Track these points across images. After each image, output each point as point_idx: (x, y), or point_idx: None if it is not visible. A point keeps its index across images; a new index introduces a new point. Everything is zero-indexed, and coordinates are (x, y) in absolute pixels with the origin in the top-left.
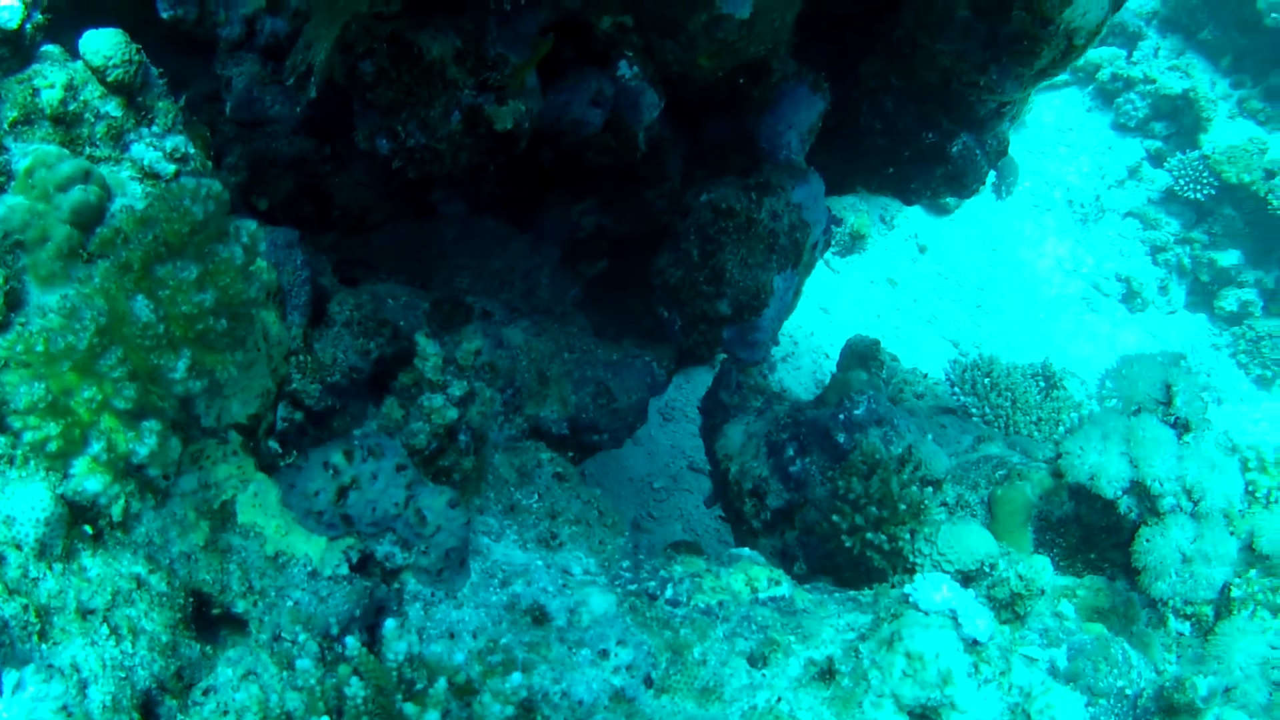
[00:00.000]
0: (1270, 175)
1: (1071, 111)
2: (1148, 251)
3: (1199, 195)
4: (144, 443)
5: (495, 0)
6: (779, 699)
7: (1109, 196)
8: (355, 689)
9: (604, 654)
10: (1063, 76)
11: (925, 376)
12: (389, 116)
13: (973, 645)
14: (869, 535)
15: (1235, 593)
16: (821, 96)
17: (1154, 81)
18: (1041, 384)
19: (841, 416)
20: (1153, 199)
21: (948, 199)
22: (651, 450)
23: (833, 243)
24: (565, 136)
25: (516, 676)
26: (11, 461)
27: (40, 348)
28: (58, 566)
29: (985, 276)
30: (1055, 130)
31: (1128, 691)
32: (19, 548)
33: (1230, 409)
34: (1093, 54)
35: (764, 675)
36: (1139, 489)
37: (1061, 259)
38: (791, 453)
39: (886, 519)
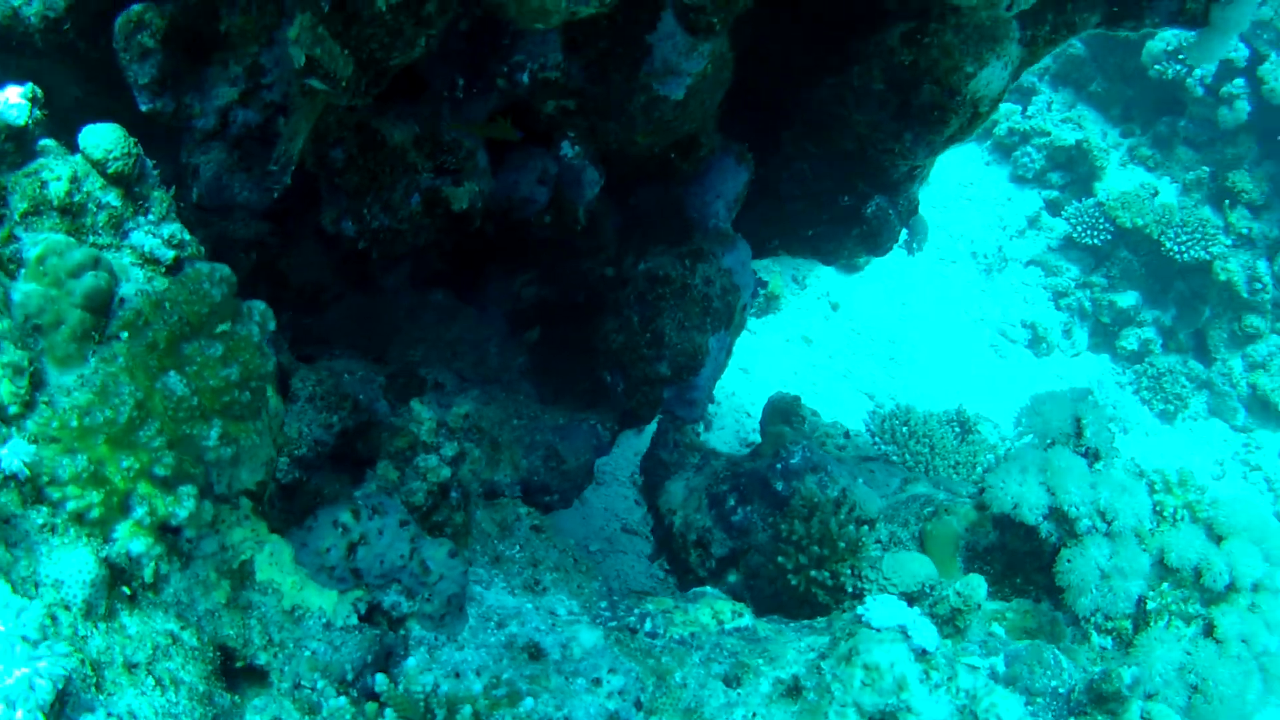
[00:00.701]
0: (1162, 218)
1: (971, 166)
2: (1050, 297)
3: (1096, 241)
4: (183, 506)
5: (449, 88)
6: (754, 714)
7: (1011, 246)
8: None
9: (598, 682)
10: None
11: (846, 432)
12: (355, 200)
13: (922, 655)
14: (813, 573)
15: (1151, 605)
16: (746, 167)
17: (1048, 134)
18: (957, 429)
19: (779, 466)
20: (1053, 246)
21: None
22: (585, 514)
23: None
24: (513, 213)
25: (529, 702)
26: (54, 530)
27: (74, 423)
28: (102, 625)
29: (896, 330)
30: (956, 185)
31: (1060, 690)
32: (68, 608)
33: (1136, 441)
34: None
35: (739, 694)
36: (1057, 514)
37: (968, 309)
38: (733, 503)
39: (828, 557)
